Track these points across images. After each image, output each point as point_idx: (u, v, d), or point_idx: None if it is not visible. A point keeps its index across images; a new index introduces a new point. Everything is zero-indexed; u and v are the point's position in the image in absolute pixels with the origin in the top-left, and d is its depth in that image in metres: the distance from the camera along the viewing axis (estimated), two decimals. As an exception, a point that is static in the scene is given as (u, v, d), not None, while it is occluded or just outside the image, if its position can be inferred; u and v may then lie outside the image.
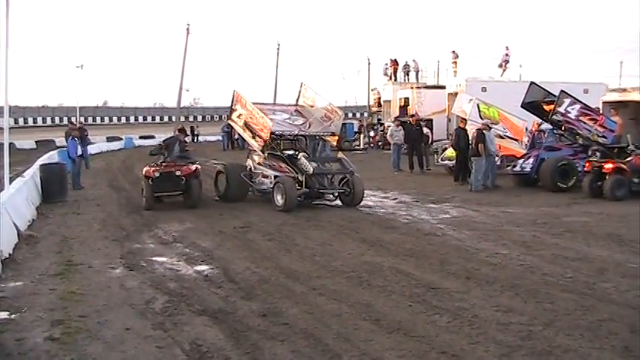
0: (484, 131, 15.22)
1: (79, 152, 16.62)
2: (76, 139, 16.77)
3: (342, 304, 6.00)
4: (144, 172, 12.56)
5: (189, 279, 7.12)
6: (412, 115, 22.36)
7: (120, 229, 10.38)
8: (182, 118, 54.43)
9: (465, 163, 16.05)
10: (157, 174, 12.17)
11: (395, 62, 35.13)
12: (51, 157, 19.96)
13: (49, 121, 60.59)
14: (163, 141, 13.43)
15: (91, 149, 26.65)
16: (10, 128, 10.92)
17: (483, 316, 5.59)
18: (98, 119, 65.23)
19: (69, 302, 6.17)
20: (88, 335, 5.24)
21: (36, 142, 35.96)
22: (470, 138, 15.76)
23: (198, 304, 6.09)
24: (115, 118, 67.77)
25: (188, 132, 45.16)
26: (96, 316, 5.73)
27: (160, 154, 12.89)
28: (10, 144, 11.56)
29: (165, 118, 66.50)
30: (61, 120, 57.90)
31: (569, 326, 5.33)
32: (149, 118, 69.88)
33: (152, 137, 45.14)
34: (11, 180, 11.80)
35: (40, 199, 13.22)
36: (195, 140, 45.52)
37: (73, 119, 39.78)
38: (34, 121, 60.48)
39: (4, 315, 5.77)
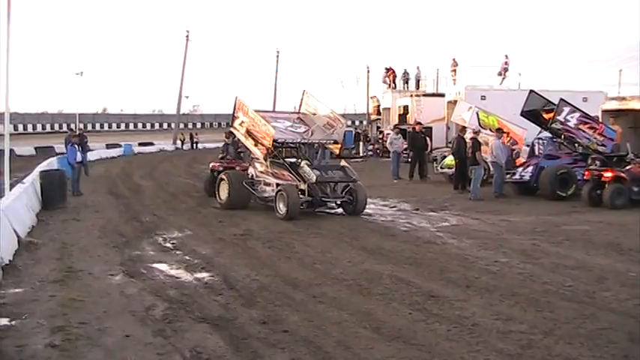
0: (495, 139, 15.31)
1: (79, 159, 16.63)
2: (76, 145, 16.80)
3: (342, 312, 6.01)
4: (210, 166, 15.71)
5: (190, 286, 7.13)
6: (418, 123, 22.07)
7: (119, 235, 10.38)
8: (181, 126, 54.49)
9: (464, 172, 16.07)
10: (221, 168, 14.93)
11: (392, 70, 35.20)
12: (50, 163, 19.96)
13: (48, 128, 60.84)
14: (222, 146, 16.58)
15: (90, 156, 26.62)
16: (9, 134, 10.94)
17: (483, 325, 5.60)
18: (97, 126, 65.47)
19: (69, 309, 6.17)
20: (89, 342, 5.25)
21: (35, 148, 35.90)
22: (468, 146, 15.78)
23: (199, 311, 6.10)
24: (114, 125, 68.04)
25: (187, 139, 45.76)
26: (96, 322, 5.74)
27: (223, 154, 16.16)
28: (10, 150, 11.56)
29: (165, 125, 66.66)
30: (60, 127, 58.03)
31: (569, 335, 5.33)
32: (148, 125, 70.11)
33: (151, 144, 45.22)
34: (11, 186, 11.82)
35: (40, 205, 13.19)
36: (195, 147, 45.64)
37: (73, 126, 39.82)
38: (34, 127, 60.75)
39: (4, 321, 5.77)
